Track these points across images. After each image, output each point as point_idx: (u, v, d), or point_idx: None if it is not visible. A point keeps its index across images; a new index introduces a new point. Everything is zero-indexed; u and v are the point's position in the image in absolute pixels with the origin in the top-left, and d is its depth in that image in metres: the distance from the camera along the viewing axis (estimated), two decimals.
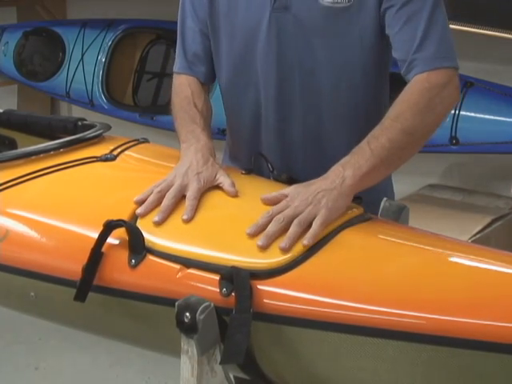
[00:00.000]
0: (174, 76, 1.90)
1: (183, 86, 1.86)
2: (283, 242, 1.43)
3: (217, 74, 1.88)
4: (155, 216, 1.54)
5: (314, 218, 1.46)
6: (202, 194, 1.59)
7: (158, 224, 1.53)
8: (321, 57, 1.73)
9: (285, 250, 1.42)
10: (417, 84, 1.63)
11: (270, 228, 1.45)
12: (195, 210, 1.54)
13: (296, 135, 1.80)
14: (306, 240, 1.43)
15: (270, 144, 1.83)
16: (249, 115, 1.85)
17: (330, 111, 1.78)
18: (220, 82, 1.89)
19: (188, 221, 1.52)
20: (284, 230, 1.45)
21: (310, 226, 1.46)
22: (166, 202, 1.56)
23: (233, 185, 1.60)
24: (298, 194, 1.51)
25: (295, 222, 1.46)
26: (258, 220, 1.47)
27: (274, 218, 1.47)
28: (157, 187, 1.59)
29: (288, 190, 1.55)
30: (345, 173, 1.53)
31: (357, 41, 1.72)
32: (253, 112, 1.83)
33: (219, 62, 1.85)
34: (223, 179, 1.61)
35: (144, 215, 1.55)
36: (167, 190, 1.58)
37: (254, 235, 1.45)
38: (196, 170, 1.62)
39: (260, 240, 1.44)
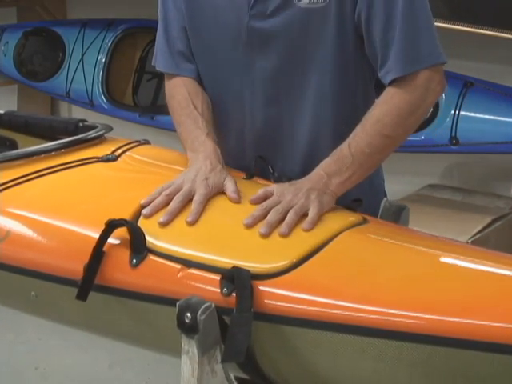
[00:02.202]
0: (166, 75, 1.88)
1: (178, 88, 1.83)
2: (282, 228, 1.49)
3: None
4: (161, 217, 1.55)
5: (308, 210, 1.53)
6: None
7: (163, 225, 1.54)
8: (301, 61, 1.71)
9: (285, 236, 1.48)
10: (396, 87, 1.64)
11: (270, 217, 1.51)
12: (200, 214, 1.55)
13: (285, 141, 1.79)
14: (306, 224, 1.50)
15: (258, 146, 1.81)
16: (233, 118, 1.82)
17: (314, 114, 1.75)
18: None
19: (192, 223, 1.53)
20: (281, 220, 1.51)
21: (304, 216, 1.52)
22: (173, 204, 1.57)
23: (236, 191, 1.61)
24: (286, 191, 1.57)
25: (291, 211, 1.52)
26: (253, 212, 1.52)
27: (273, 209, 1.52)
28: (165, 190, 1.60)
29: (272, 187, 1.60)
30: (327, 180, 1.60)
31: (336, 43, 1.69)
32: (237, 114, 1.81)
33: (199, 64, 1.83)
34: (229, 185, 1.62)
35: (150, 216, 1.56)
36: (175, 194, 1.59)
37: (250, 226, 1.50)
38: (204, 175, 1.63)
39: (262, 228, 1.49)
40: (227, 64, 1.78)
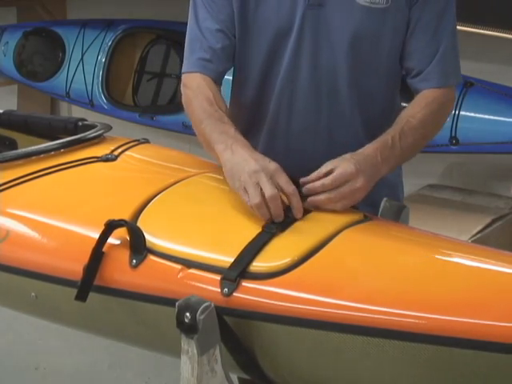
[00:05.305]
0: (186, 76, 1.79)
1: (202, 88, 1.75)
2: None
3: (238, 72, 1.84)
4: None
5: None
6: (205, 196, 1.59)
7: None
8: (349, 55, 1.72)
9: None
10: (434, 94, 1.74)
11: None
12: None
13: (319, 141, 1.79)
14: None
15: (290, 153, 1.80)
16: (267, 114, 1.82)
17: (352, 114, 1.78)
18: (240, 78, 1.84)
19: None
20: None
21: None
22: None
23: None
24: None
25: None
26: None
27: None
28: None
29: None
30: (381, 164, 1.63)
31: (388, 43, 1.74)
32: (273, 110, 1.80)
33: (246, 58, 1.81)
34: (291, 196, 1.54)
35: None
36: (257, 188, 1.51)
37: None
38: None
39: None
40: (275, 56, 1.77)
